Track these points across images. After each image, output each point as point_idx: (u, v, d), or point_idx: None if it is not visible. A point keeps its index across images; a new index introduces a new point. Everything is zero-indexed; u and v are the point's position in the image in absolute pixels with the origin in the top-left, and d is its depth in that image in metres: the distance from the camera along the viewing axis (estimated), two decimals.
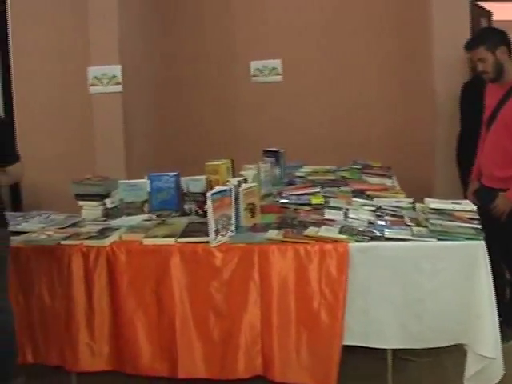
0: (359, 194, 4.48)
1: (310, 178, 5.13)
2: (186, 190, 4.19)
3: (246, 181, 4.05)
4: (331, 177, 5.17)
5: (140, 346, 3.59)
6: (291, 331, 3.46)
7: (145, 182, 4.23)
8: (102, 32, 6.06)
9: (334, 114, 6.98)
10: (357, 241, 3.44)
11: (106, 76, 6.05)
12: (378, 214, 3.90)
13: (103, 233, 3.81)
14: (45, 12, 6.88)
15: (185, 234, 3.67)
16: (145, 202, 4.24)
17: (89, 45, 6.13)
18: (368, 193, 4.48)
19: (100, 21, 6.08)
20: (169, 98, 7.18)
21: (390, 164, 5.52)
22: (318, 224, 3.69)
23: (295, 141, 6.54)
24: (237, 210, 3.73)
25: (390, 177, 5.21)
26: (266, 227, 3.72)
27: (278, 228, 3.67)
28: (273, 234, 3.56)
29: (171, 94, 7.19)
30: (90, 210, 4.28)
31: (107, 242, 3.66)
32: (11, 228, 3.98)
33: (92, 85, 6.12)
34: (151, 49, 6.96)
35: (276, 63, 7.07)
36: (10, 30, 6.96)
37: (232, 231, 3.63)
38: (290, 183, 4.99)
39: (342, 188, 4.71)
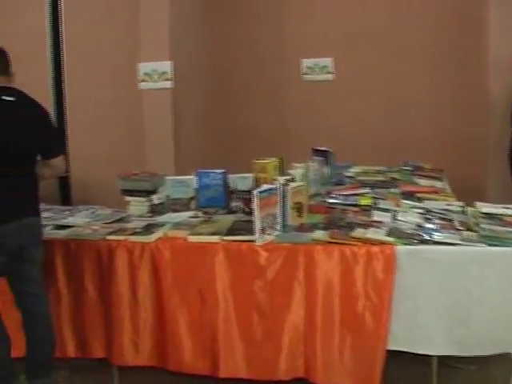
0: (409, 196, 4.38)
1: (359, 178, 5.06)
2: (233, 188, 4.16)
3: (293, 179, 4.00)
4: (381, 178, 5.08)
5: (182, 344, 3.59)
6: (335, 333, 3.40)
7: (192, 179, 4.23)
8: (152, 28, 6.07)
9: (385, 113, 6.89)
10: (404, 244, 3.36)
11: (156, 72, 6.06)
12: (428, 217, 3.81)
13: (148, 229, 3.80)
14: (96, 7, 6.91)
15: (230, 231, 3.64)
16: (192, 198, 4.23)
17: (139, 40, 6.14)
18: (418, 195, 4.38)
19: (151, 16, 6.09)
20: (218, 94, 7.17)
21: (441, 165, 5.41)
22: (365, 226, 3.62)
23: (345, 140, 6.48)
24: (284, 208, 3.68)
25: (441, 179, 5.10)
26: (312, 227, 3.67)
27: (325, 228, 3.62)
28: (319, 234, 3.51)
29: (221, 90, 7.18)
30: (137, 205, 4.28)
31: (152, 238, 3.65)
32: (57, 222, 4.01)
33: (142, 81, 6.14)
34: (202, 45, 6.95)
35: (327, 61, 7.00)
36: (61, 24, 7.01)
37: (278, 230, 3.59)
38: (339, 183, 4.93)
39: (391, 189, 4.63)
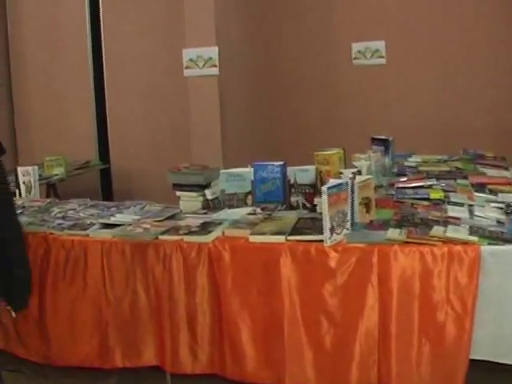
0: (480, 187, 4.06)
1: (421, 168, 4.74)
2: (292, 181, 3.87)
3: (359, 172, 3.72)
4: (444, 167, 4.76)
5: (244, 351, 3.33)
6: (412, 342, 3.10)
7: (248, 172, 3.95)
8: (197, 12, 5.89)
9: (440, 100, 6.58)
10: (489, 243, 3.05)
11: (201, 58, 5.83)
12: (508, 211, 3.49)
13: (205, 227, 3.54)
14: None
15: (295, 231, 3.35)
16: (248, 193, 3.95)
17: (184, 25, 5.90)
18: (490, 187, 4.05)
19: (196, 0, 5.83)
20: (266, 81, 6.90)
21: (500, 154, 5.09)
22: (442, 222, 3.31)
23: (400, 128, 6.17)
24: (351, 205, 3.38)
25: (506, 168, 4.77)
26: (383, 225, 3.37)
27: (399, 226, 3.31)
28: (394, 233, 3.20)
29: (269, 77, 6.91)
30: (189, 201, 4.02)
31: (210, 238, 3.39)
32: (104, 220, 3.77)
33: (187, 67, 5.91)
34: (249, 30, 6.69)
35: (379, 45, 6.68)
36: (101, 10, 6.83)
37: (347, 229, 3.30)
38: (400, 173, 4.62)
39: (459, 181, 4.30)
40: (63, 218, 4.03)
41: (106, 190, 7.13)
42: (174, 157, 5.79)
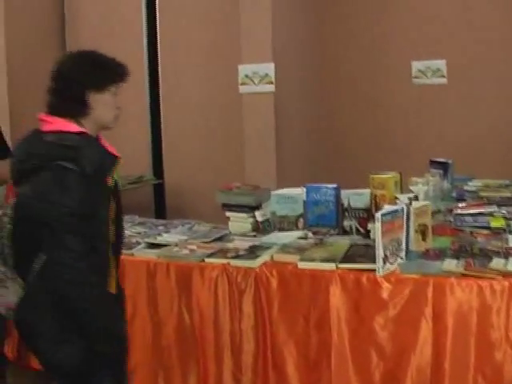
0: None
1: (481, 193, 4.53)
2: (346, 205, 3.72)
3: (416, 198, 3.55)
4: (506, 193, 4.53)
5: (289, 381, 3.19)
6: (467, 381, 2.90)
7: (300, 194, 3.80)
8: (254, 27, 5.78)
9: (503, 121, 6.31)
10: None
11: (257, 74, 5.73)
12: None
13: (253, 251, 3.41)
14: (194, 4, 6.68)
15: (347, 258, 3.20)
16: (299, 216, 3.81)
17: (239, 41, 5.82)
18: None
19: (252, 15, 5.78)
20: (323, 100, 6.73)
21: None
22: (503, 254, 3.13)
23: (460, 150, 5.93)
24: (407, 232, 3.22)
25: None
26: (440, 254, 3.20)
27: (455, 256, 3.13)
28: (451, 264, 3.03)
29: (326, 95, 6.74)
30: (238, 222, 3.90)
31: (257, 263, 3.26)
32: (151, 239, 3.70)
33: (242, 83, 5.81)
34: (306, 46, 6.56)
35: (440, 64, 6.46)
36: (157, 24, 6.82)
37: (402, 258, 3.14)
38: (459, 198, 4.42)
39: None
40: None
41: (159, 205, 7.07)
42: (228, 174, 5.70)
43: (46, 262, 2.46)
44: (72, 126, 2.55)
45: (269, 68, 5.64)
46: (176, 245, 3.65)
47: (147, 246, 3.71)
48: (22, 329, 2.67)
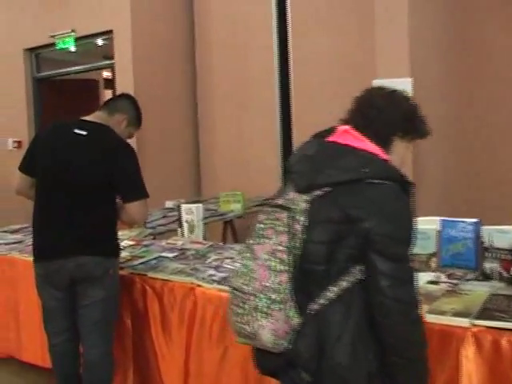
0: None
1: None
2: (487, 244, 3.15)
3: None
4: None
5: None
6: None
7: (434, 230, 3.27)
8: (390, 39, 5.35)
9: None
10: None
11: None
12: None
13: None
14: (327, 15, 6.43)
15: (484, 313, 2.63)
16: (432, 255, 3.27)
17: (373, 54, 5.41)
18: None
19: (388, 27, 5.36)
20: (464, 121, 5.99)
21: None
22: None
23: None
24: None
25: None
26: None
27: None
28: None
29: (466, 116, 6.00)
30: None
31: None
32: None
33: None
34: (448, 61, 5.93)
35: None
36: (290, 38, 6.54)
37: None
38: None
39: None
40: (216, 268, 3.59)
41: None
42: None
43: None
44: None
45: (406, 83, 5.10)
46: None
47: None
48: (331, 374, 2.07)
